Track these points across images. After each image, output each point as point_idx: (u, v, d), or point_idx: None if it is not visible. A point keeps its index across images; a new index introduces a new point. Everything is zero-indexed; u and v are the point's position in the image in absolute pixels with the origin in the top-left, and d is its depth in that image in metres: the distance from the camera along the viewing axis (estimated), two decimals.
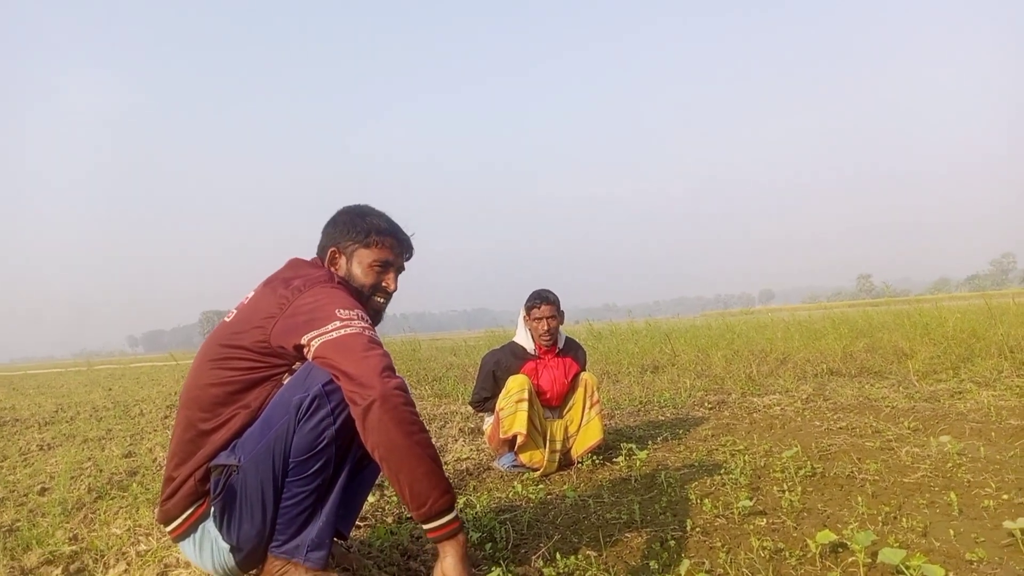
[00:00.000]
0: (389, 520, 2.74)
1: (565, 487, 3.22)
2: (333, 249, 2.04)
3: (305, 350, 1.72)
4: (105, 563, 2.35)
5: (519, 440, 3.51)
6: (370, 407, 1.56)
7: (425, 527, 1.61)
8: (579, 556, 2.26)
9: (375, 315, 2.08)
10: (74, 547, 2.54)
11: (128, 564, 2.26)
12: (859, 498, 2.68)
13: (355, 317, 1.73)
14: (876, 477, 3.00)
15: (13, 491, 3.63)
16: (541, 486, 3.29)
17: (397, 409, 1.57)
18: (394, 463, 1.57)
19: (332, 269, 2.03)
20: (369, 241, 2.04)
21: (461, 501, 2.97)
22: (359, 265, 2.04)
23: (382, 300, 2.10)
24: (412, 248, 2.17)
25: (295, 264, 2.01)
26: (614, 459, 3.72)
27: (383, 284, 2.08)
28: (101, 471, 4.00)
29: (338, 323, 1.70)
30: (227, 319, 1.92)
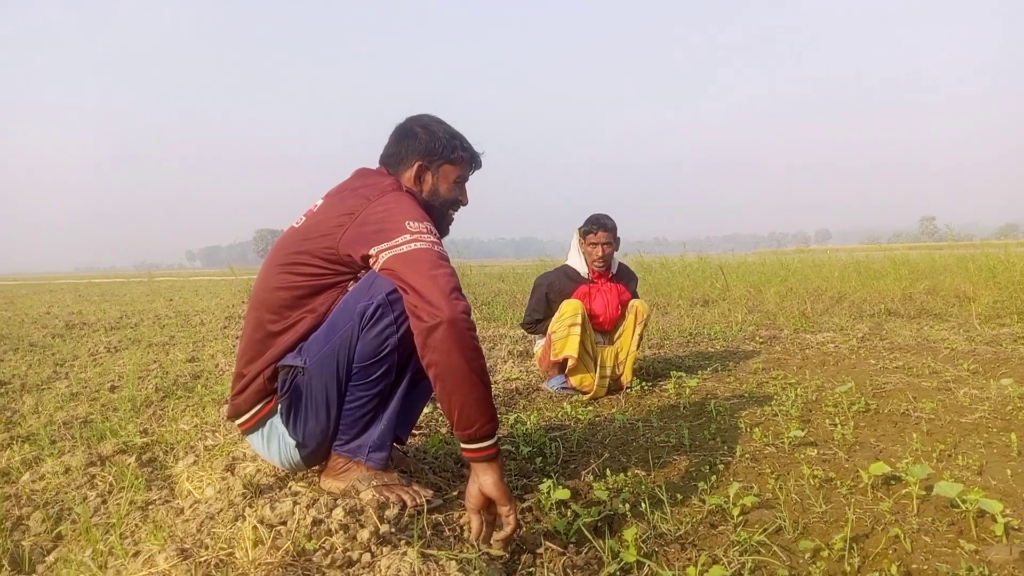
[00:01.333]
0: (443, 430, 2.81)
1: (614, 410, 3.26)
2: (421, 163, 2.00)
3: (372, 260, 1.73)
4: (175, 455, 2.47)
5: (570, 363, 3.55)
6: (436, 327, 1.57)
7: (466, 446, 1.64)
8: (628, 474, 2.31)
9: (447, 228, 2.11)
10: (145, 440, 2.68)
11: (197, 456, 2.37)
12: (913, 435, 2.65)
13: (424, 231, 1.73)
14: (932, 416, 2.95)
15: (85, 387, 3.83)
16: (590, 408, 3.34)
17: (462, 334, 1.58)
18: (450, 384, 1.59)
19: (417, 185, 2.01)
20: (455, 157, 2.04)
21: (511, 418, 3.03)
22: (445, 181, 2.04)
23: (455, 214, 2.13)
24: (481, 163, 2.16)
25: (362, 173, 2.01)
26: (663, 386, 3.73)
27: (460, 199, 2.11)
28: (167, 373, 4.19)
29: (408, 236, 1.70)
30: (296, 225, 1.94)
